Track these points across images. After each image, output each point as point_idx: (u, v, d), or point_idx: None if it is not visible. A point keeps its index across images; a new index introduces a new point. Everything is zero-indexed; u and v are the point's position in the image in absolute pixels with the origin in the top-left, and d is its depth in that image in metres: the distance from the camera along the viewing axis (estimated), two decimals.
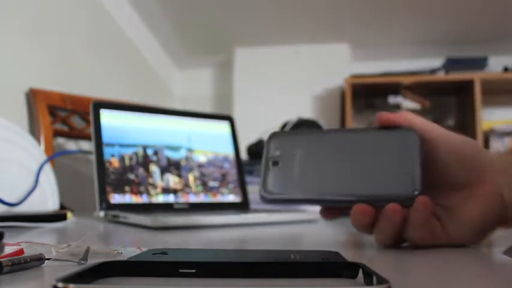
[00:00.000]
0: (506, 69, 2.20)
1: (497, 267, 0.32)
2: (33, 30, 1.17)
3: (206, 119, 0.94)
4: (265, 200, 0.40)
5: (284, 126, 1.34)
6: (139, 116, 0.84)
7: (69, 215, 0.66)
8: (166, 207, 0.79)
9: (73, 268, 0.23)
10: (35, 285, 0.24)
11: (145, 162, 0.81)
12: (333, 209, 0.41)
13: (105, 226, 0.65)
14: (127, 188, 0.76)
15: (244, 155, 1.16)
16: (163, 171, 0.82)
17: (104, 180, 0.74)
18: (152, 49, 2.13)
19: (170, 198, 0.81)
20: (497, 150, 2.21)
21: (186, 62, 2.54)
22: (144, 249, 0.30)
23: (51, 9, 1.26)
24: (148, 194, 0.79)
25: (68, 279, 0.19)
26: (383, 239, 0.38)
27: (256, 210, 0.83)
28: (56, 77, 1.26)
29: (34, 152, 0.83)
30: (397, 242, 0.38)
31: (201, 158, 0.89)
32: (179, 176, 0.84)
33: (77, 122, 1.17)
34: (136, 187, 0.78)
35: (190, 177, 0.86)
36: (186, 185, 0.84)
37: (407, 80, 2.25)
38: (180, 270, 0.24)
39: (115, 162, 0.77)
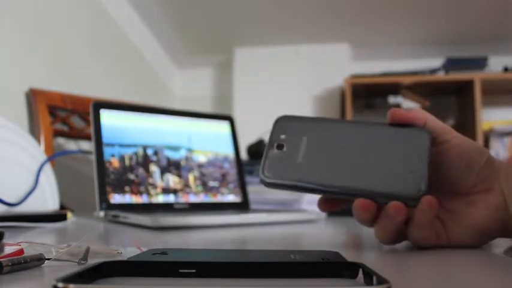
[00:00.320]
0: (506, 69, 2.20)
1: (497, 267, 0.32)
2: (33, 30, 1.17)
3: (206, 119, 0.93)
4: (263, 183, 0.38)
5: None
6: (139, 116, 0.84)
7: (69, 215, 0.66)
8: (166, 207, 0.79)
9: (73, 268, 0.23)
10: (35, 285, 0.24)
11: (145, 162, 0.81)
12: (332, 201, 0.40)
13: (105, 226, 0.65)
14: (127, 188, 0.76)
15: (244, 155, 1.15)
16: (163, 171, 0.82)
17: (104, 180, 0.74)
18: (152, 49, 2.13)
19: (170, 198, 0.81)
20: (497, 150, 2.21)
21: (186, 62, 2.54)
22: (144, 249, 0.30)
23: (51, 9, 1.26)
24: (148, 194, 0.79)
25: (68, 279, 0.19)
26: (382, 236, 0.37)
27: (256, 210, 0.83)
28: (56, 77, 1.26)
29: (34, 152, 0.83)
30: (396, 240, 0.38)
31: (201, 158, 0.89)
32: (179, 176, 0.84)
33: (77, 122, 1.17)
34: (136, 187, 0.78)
35: (190, 177, 0.86)
36: (186, 185, 0.84)
37: (407, 80, 2.25)
38: (180, 270, 0.24)
39: (115, 162, 0.77)
